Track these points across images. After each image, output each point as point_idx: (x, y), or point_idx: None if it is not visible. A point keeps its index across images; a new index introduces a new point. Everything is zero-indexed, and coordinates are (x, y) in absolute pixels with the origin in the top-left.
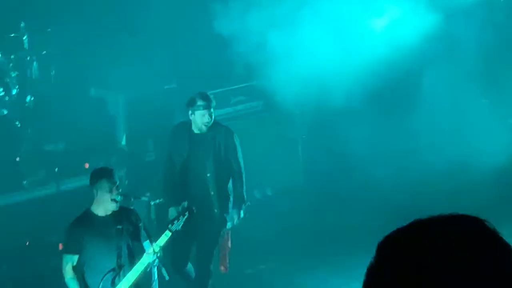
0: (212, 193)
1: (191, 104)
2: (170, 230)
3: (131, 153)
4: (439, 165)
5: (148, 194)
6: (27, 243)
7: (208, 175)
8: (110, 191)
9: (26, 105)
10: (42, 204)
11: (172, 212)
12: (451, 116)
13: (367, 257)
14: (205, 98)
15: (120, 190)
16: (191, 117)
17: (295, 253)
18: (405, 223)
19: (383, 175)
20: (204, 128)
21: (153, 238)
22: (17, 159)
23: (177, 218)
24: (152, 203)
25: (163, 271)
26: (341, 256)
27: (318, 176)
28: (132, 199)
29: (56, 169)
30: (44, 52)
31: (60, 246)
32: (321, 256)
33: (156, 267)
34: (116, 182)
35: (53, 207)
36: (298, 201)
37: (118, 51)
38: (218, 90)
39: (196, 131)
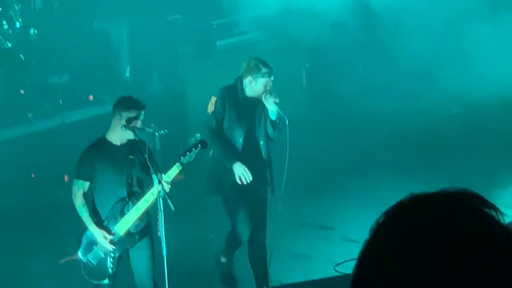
0: (264, 160)
1: (253, 70)
2: (181, 164)
3: (135, 85)
4: (439, 93)
5: (152, 125)
6: (33, 176)
7: (261, 142)
8: (130, 122)
9: (30, 38)
10: (47, 136)
11: (239, 166)
12: (453, 41)
13: (371, 184)
14: (267, 65)
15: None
16: (250, 84)
17: (301, 182)
18: (406, 150)
19: (386, 102)
20: (260, 96)
21: (161, 169)
22: (22, 91)
23: (189, 149)
24: (157, 134)
25: (169, 202)
26: (347, 183)
27: (322, 105)
28: (136, 130)
29: (61, 101)
30: None
31: (66, 178)
32: (327, 184)
33: (161, 198)
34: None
35: (58, 139)
36: (303, 129)
37: None
38: (222, 20)
39: (250, 94)
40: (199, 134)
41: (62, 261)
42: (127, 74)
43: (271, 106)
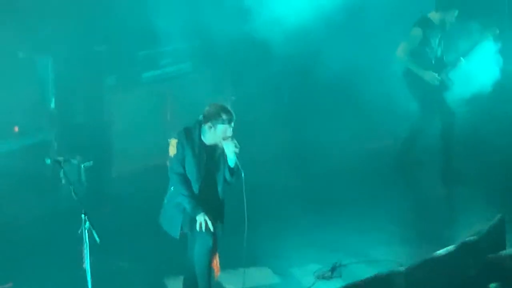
0: (220, 202)
1: (213, 116)
2: None
3: (60, 116)
4: None
5: (78, 157)
6: None
7: (219, 187)
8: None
9: None
10: None
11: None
12: None
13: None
14: (229, 111)
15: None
16: (210, 129)
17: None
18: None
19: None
20: (219, 142)
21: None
22: None
23: None
24: (82, 165)
25: (94, 233)
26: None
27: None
28: (62, 162)
29: None
30: None
31: None
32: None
33: (86, 230)
34: None
35: None
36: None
37: (47, 12)
38: (147, 52)
39: (207, 142)
40: None
41: None
42: (52, 105)
43: (230, 154)
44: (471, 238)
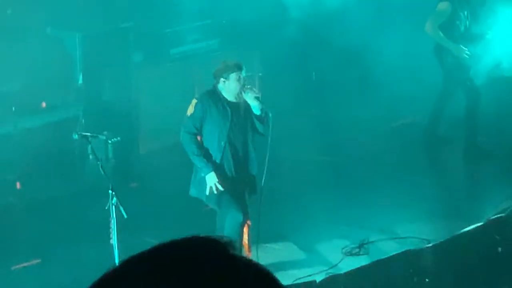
0: (249, 159)
1: (222, 70)
2: None
3: (88, 92)
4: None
5: (105, 132)
6: None
7: (248, 142)
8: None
9: None
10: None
11: (212, 178)
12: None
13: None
14: (235, 61)
15: None
16: (224, 84)
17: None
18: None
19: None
20: (238, 95)
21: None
22: None
23: None
24: (109, 141)
25: (121, 209)
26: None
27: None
28: (89, 138)
29: (13, 108)
30: None
31: (18, 185)
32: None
33: (114, 205)
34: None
35: (11, 146)
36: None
37: None
38: (174, 29)
39: (228, 96)
40: None
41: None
42: (80, 81)
43: (253, 102)
44: (498, 215)
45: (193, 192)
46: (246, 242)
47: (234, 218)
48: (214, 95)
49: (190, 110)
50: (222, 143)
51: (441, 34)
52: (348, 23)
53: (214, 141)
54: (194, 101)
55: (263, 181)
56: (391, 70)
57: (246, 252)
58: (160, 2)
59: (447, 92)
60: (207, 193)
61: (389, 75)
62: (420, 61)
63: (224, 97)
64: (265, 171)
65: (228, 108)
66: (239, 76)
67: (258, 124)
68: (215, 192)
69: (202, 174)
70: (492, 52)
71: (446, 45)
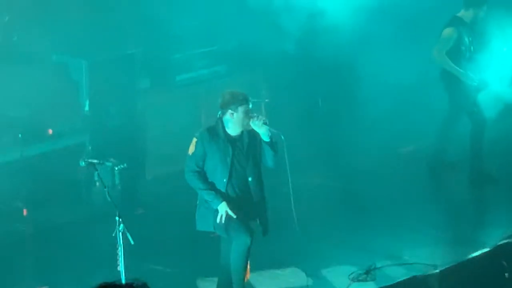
0: (253, 197)
1: (230, 102)
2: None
3: (94, 119)
4: None
5: (112, 159)
6: None
7: (250, 179)
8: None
9: None
10: (6, 170)
11: (223, 207)
12: None
13: None
14: (241, 93)
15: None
16: (232, 116)
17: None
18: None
19: None
20: (245, 126)
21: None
22: None
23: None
24: (116, 168)
25: (128, 235)
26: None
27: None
28: (96, 164)
29: (20, 135)
30: (7, 18)
31: (25, 212)
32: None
33: (121, 232)
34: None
35: (18, 173)
36: None
37: (80, 15)
38: (180, 55)
39: (234, 132)
40: None
41: None
42: (86, 108)
43: (262, 129)
44: (506, 240)
45: (199, 226)
46: (248, 266)
47: (243, 242)
48: (214, 132)
49: (191, 149)
50: (225, 180)
51: (449, 61)
52: (356, 49)
53: (216, 178)
54: (194, 139)
55: (292, 201)
56: (398, 96)
57: (246, 276)
58: (166, 29)
59: (453, 117)
60: (218, 221)
61: (396, 101)
62: (426, 86)
63: (225, 132)
64: (291, 192)
65: (228, 144)
66: (247, 109)
67: (268, 153)
68: (224, 220)
69: (214, 207)
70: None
71: (454, 71)
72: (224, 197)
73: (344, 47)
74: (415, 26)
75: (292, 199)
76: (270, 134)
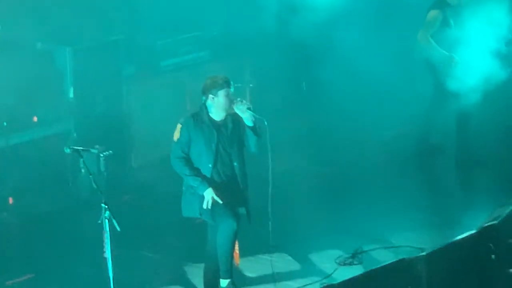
0: (239, 182)
1: (210, 86)
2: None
3: (79, 106)
4: None
5: (97, 146)
6: None
7: (235, 163)
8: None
9: None
10: None
11: (209, 193)
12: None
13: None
14: (223, 77)
15: None
16: (213, 100)
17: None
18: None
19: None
20: (228, 110)
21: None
22: None
23: None
24: (101, 155)
25: (114, 222)
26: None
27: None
28: (81, 152)
29: (5, 123)
30: None
31: (10, 200)
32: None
33: (107, 219)
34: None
35: (3, 161)
36: None
37: (64, 2)
38: (165, 41)
39: (218, 117)
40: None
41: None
42: (71, 95)
43: (245, 114)
44: (491, 222)
45: (184, 212)
46: (237, 252)
47: (230, 226)
48: (198, 117)
49: (176, 135)
50: (210, 165)
51: (434, 44)
52: (339, 32)
53: (202, 164)
54: (178, 126)
55: (270, 189)
56: (383, 79)
57: (236, 262)
58: (151, 14)
59: (438, 100)
60: (204, 206)
61: (381, 84)
62: (410, 69)
63: (209, 118)
64: (270, 179)
65: (213, 130)
66: (228, 92)
67: (251, 138)
68: (210, 206)
69: (200, 193)
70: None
71: (439, 54)
72: (210, 183)
73: (329, 31)
74: (398, 7)
75: (270, 186)
76: (253, 119)
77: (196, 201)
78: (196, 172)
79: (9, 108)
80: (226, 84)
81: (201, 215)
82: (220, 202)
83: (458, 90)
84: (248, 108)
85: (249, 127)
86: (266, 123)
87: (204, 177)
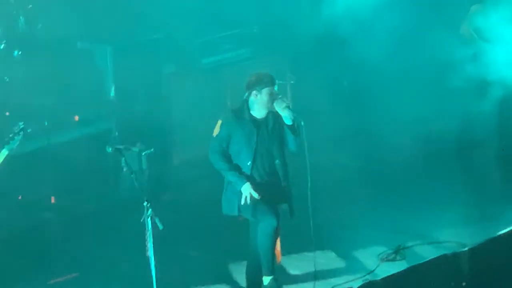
0: (281, 179)
1: (255, 83)
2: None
3: (120, 104)
4: None
5: (138, 144)
6: (20, 198)
7: (277, 161)
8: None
9: (14, 59)
10: (33, 157)
11: (247, 188)
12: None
13: None
14: (268, 74)
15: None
16: (256, 97)
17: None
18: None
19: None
20: (270, 108)
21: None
22: (7, 113)
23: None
24: (143, 153)
25: (157, 221)
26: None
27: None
28: (122, 150)
29: (46, 123)
30: (30, 6)
31: (53, 199)
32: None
33: (149, 217)
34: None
35: (45, 161)
36: None
37: (104, 1)
38: (205, 38)
39: (259, 115)
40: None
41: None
42: (112, 94)
43: (284, 112)
44: None
45: (224, 210)
46: (279, 249)
47: (270, 224)
48: (239, 114)
49: (216, 130)
50: (249, 163)
51: (476, 36)
52: (381, 30)
53: (241, 161)
54: (219, 121)
55: (308, 188)
56: (422, 76)
57: (277, 259)
58: (190, 12)
59: (478, 95)
60: (242, 202)
61: (420, 80)
62: (449, 64)
63: (250, 115)
64: (309, 178)
65: (253, 127)
66: (272, 91)
67: (290, 137)
68: (249, 201)
69: (238, 188)
70: None
71: (478, 45)
72: (249, 179)
73: (370, 27)
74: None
75: (309, 184)
76: (292, 117)
77: (236, 199)
78: (234, 167)
79: (50, 107)
80: (271, 82)
81: (241, 212)
82: (258, 197)
83: (500, 82)
84: (287, 106)
85: (287, 125)
86: (303, 123)
87: (242, 173)
